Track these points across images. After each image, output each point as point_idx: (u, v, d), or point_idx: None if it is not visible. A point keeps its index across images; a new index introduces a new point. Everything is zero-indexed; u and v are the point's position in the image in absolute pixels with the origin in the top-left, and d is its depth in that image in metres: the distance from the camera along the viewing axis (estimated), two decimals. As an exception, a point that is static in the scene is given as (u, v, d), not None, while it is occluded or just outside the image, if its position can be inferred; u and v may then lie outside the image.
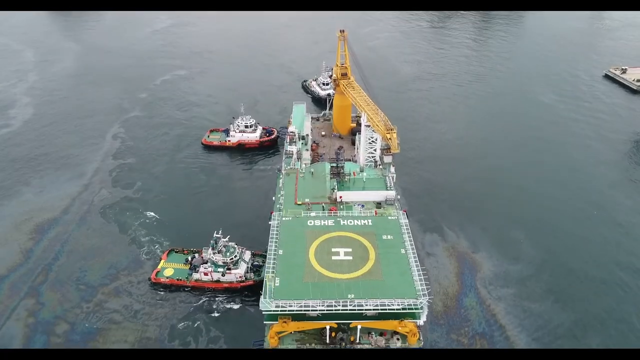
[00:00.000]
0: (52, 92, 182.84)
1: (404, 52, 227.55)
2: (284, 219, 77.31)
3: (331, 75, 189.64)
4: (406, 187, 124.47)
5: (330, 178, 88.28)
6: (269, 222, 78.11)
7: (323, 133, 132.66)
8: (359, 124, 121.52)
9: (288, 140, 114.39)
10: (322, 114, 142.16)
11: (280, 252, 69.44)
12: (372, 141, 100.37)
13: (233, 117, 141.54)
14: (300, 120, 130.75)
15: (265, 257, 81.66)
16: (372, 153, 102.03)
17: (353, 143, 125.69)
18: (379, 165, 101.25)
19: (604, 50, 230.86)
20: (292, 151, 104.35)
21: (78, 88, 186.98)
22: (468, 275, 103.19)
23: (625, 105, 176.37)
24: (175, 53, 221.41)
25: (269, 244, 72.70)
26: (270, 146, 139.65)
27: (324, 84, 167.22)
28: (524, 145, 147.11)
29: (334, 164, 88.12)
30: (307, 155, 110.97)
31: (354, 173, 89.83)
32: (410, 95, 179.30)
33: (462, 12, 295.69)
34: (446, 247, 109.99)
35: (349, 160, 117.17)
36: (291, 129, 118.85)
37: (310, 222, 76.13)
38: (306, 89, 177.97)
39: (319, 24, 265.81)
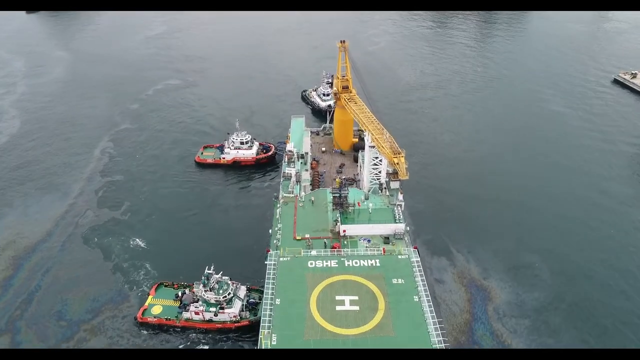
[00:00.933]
0: (39, 104, 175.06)
1: (405, 57, 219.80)
2: (281, 259, 69.45)
3: (331, 83, 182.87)
4: (411, 204, 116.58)
5: (333, 209, 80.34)
6: (265, 262, 70.32)
7: (323, 149, 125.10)
8: (361, 139, 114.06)
9: (286, 160, 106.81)
10: (322, 128, 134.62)
11: (278, 301, 61.58)
12: (377, 163, 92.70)
13: (228, 133, 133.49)
14: (299, 135, 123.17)
15: (262, 292, 74.06)
16: (377, 175, 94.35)
17: (355, 160, 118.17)
18: (384, 187, 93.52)
19: (611, 54, 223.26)
20: (291, 173, 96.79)
21: (67, 99, 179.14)
22: (480, 305, 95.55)
23: (637, 112, 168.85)
24: (168, 61, 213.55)
25: (265, 289, 65.02)
26: (267, 163, 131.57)
27: (324, 94, 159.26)
28: (533, 159, 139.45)
29: (337, 194, 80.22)
30: (306, 175, 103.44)
31: (358, 203, 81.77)
32: (413, 105, 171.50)
33: (462, 14, 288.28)
34: (455, 273, 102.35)
35: (352, 183, 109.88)
36: (289, 147, 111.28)
37: (311, 264, 68.22)
38: (306, 99, 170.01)
39: (317, 28, 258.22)
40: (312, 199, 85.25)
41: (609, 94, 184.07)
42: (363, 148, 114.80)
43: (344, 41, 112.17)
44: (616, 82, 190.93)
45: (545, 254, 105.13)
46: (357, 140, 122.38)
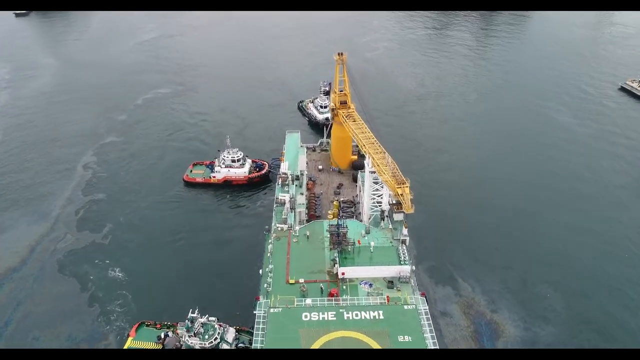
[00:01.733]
0: (23, 114, 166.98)
1: (405, 64, 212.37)
2: (272, 310, 61.34)
3: (328, 92, 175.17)
4: (413, 226, 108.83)
5: (330, 248, 72.24)
6: (254, 312, 62.31)
7: (320, 167, 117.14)
8: (361, 156, 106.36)
9: (279, 183, 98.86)
10: (318, 143, 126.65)
11: (267, 365, 53.59)
12: (379, 188, 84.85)
13: (218, 150, 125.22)
14: (294, 153, 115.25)
15: (252, 334, 66.08)
16: (378, 202, 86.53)
17: (355, 180, 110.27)
18: (386, 216, 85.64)
19: (618, 60, 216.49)
20: (285, 199, 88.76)
21: (52, 109, 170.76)
22: (488, 341, 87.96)
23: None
24: (159, 68, 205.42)
25: (254, 343, 57.00)
26: (260, 182, 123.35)
27: (321, 106, 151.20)
28: (542, 176, 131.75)
29: (334, 231, 72.13)
30: (301, 199, 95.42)
31: (358, 241, 73.51)
32: (413, 117, 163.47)
33: (461, 18, 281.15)
34: (461, 304, 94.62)
35: (351, 205, 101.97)
36: (283, 167, 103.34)
37: (306, 316, 60.01)
38: (302, 110, 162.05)
39: (314, 33, 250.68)
40: (307, 233, 77.09)
41: (616, 102, 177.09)
42: (362, 167, 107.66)
43: (341, 53, 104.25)
44: (623, 89, 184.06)
45: (557, 282, 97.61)
46: (356, 157, 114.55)
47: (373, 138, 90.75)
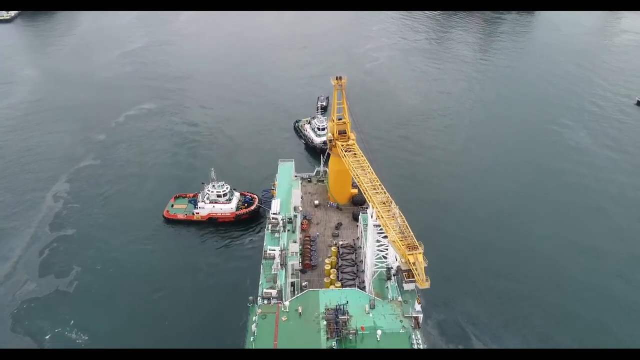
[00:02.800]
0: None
1: (406, 75, 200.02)
2: None
3: (325, 107, 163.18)
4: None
5: (327, 338, 58.89)
6: None
7: (316, 202, 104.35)
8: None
9: (269, 228, 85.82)
10: (315, 173, 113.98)
11: None
12: (384, 243, 71.93)
13: (202, 183, 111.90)
14: (287, 185, 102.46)
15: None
16: (384, 257, 73.62)
17: (355, 218, 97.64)
18: (393, 274, 72.69)
19: (632, 72, 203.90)
20: (274, 253, 75.77)
21: (26, 128, 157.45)
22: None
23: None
24: (145, 81, 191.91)
25: None
26: (249, 219, 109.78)
27: (319, 128, 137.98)
28: (557, 204, 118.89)
29: (332, 318, 58.70)
30: (294, 247, 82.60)
31: (362, 327, 59.89)
32: (416, 138, 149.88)
33: (464, 25, 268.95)
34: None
35: (352, 251, 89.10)
36: (274, 207, 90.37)
37: None
38: (298, 131, 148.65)
39: (311, 42, 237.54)
40: (300, 309, 63.69)
41: (635, 119, 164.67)
42: (364, 202, 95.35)
43: (340, 78, 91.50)
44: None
45: (589, 337, 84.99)
46: (356, 191, 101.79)
47: (377, 181, 77.89)
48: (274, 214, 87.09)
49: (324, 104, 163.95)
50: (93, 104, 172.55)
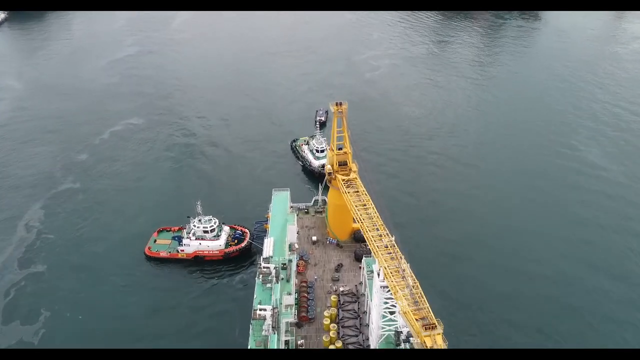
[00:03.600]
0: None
1: (409, 87, 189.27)
2: None
3: (324, 122, 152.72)
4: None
5: None
6: None
7: (314, 238, 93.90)
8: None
9: (260, 279, 75.36)
10: (312, 202, 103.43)
11: None
12: (392, 303, 61.53)
13: (188, 217, 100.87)
14: (282, 219, 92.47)
15: None
16: (393, 320, 63.18)
17: (357, 259, 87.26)
18: (403, 340, 62.25)
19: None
20: (265, 314, 65.33)
21: (2, 145, 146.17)
22: None
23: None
24: (134, 92, 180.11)
25: None
26: (240, 256, 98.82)
27: (317, 150, 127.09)
28: (580, 242, 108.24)
29: None
30: (289, 300, 72.23)
31: None
32: (420, 161, 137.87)
33: (467, 31, 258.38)
34: None
35: (355, 299, 78.76)
36: (266, 249, 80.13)
37: None
38: (295, 151, 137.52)
39: (308, 50, 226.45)
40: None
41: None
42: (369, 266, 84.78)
43: (340, 103, 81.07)
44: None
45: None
46: (358, 226, 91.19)
47: (383, 228, 67.38)
48: (264, 259, 76.59)
49: (323, 118, 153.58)
50: (77, 118, 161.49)
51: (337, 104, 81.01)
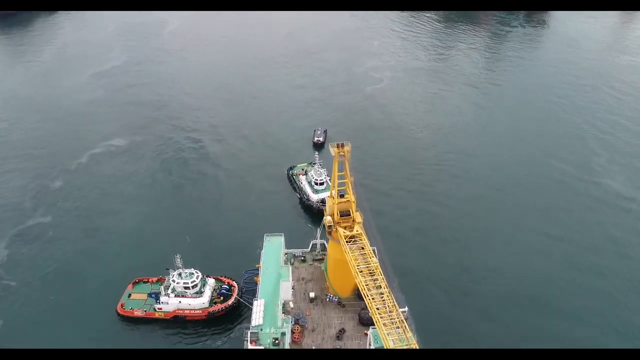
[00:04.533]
0: None
1: (411, 100, 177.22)
2: None
3: (322, 142, 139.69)
4: None
5: None
6: None
7: (312, 295, 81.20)
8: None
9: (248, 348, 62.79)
10: (310, 247, 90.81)
11: None
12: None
13: (167, 269, 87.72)
14: (275, 271, 79.93)
15: None
16: None
17: (363, 322, 74.75)
18: None
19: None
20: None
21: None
22: None
23: None
24: (117, 109, 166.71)
25: None
26: (226, 315, 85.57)
27: (317, 182, 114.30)
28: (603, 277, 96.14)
29: None
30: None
31: None
32: (427, 189, 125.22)
33: (470, 39, 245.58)
34: None
35: None
36: (255, 319, 67.93)
37: None
38: (292, 181, 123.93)
39: (305, 60, 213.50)
40: None
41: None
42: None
43: (342, 145, 68.53)
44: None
45: None
46: (362, 281, 78.76)
47: (389, 293, 55.06)
48: (252, 333, 64.00)
49: (321, 139, 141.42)
50: (55, 138, 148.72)
51: (337, 146, 68.54)
